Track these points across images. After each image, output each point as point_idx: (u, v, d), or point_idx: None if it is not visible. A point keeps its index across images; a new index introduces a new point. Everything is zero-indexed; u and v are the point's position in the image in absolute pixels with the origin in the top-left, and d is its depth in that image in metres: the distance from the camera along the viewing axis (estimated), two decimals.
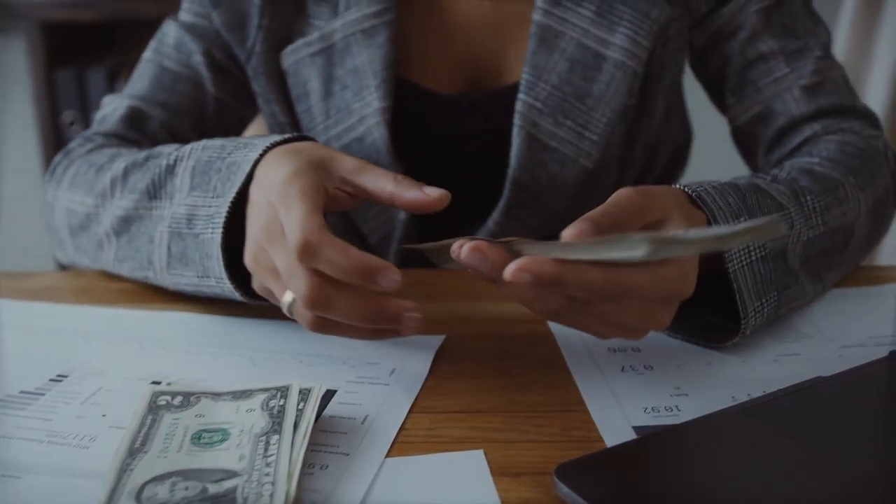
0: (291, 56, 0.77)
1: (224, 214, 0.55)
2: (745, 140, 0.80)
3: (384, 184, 0.52)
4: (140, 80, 0.80)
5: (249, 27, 0.77)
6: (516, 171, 0.74)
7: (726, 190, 0.55)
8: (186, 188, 0.58)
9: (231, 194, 0.55)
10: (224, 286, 0.56)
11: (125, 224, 0.62)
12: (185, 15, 0.80)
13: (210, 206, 0.56)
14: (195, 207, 0.57)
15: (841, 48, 1.81)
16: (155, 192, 0.61)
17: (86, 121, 1.78)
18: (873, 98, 1.85)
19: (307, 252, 0.46)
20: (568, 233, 0.44)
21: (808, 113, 0.74)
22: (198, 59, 0.78)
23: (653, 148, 0.82)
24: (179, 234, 0.58)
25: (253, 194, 0.53)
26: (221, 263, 0.55)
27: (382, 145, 0.73)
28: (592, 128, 0.74)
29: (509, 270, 0.43)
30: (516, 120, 0.73)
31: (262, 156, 0.54)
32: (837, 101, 0.75)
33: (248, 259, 0.53)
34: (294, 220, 0.47)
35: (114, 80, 1.77)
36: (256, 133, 0.92)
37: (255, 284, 0.54)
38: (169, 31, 0.80)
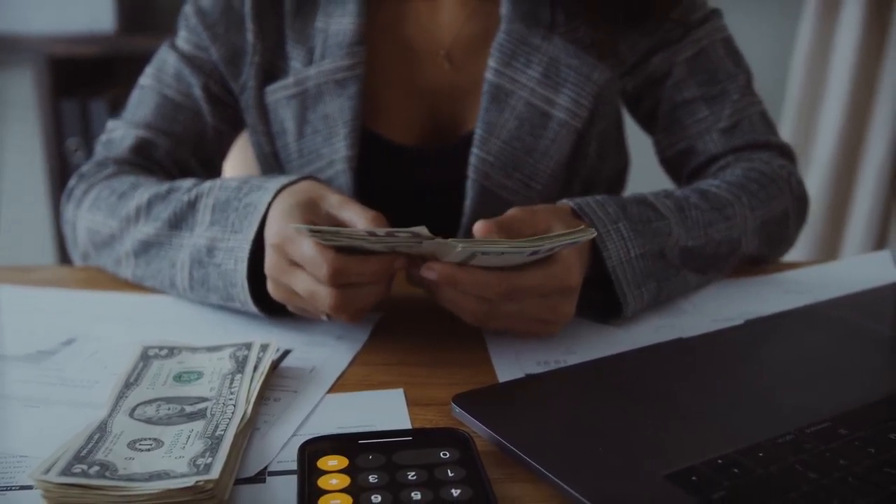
0: (272, 95, 0.85)
1: (247, 250, 0.63)
2: (672, 168, 0.93)
3: (358, 220, 0.59)
4: (142, 106, 0.86)
5: (243, 63, 0.85)
6: (470, 220, 0.83)
7: (608, 202, 0.68)
8: (207, 223, 0.67)
9: (250, 232, 0.64)
10: (249, 308, 0.66)
11: (145, 248, 0.72)
12: (182, 44, 0.87)
13: (229, 240, 0.65)
14: (214, 240, 0.66)
15: (799, 59, 1.95)
16: (176, 222, 0.70)
17: (88, 147, 1.90)
18: (830, 107, 1.99)
19: (338, 276, 0.56)
20: (478, 227, 0.58)
21: (724, 151, 0.87)
22: (197, 92, 0.85)
23: (589, 182, 0.91)
24: (200, 262, 0.67)
25: (266, 235, 0.62)
26: (247, 292, 0.64)
27: (348, 191, 0.82)
28: (538, 178, 0.84)
29: (423, 269, 0.57)
30: (470, 173, 0.82)
31: (273, 198, 0.64)
32: (751, 139, 0.87)
33: (274, 295, 0.62)
34: (310, 257, 0.57)
35: (114, 110, 1.89)
36: (239, 154, 1.04)
37: (291, 308, 0.63)
38: (168, 60, 0.87)
